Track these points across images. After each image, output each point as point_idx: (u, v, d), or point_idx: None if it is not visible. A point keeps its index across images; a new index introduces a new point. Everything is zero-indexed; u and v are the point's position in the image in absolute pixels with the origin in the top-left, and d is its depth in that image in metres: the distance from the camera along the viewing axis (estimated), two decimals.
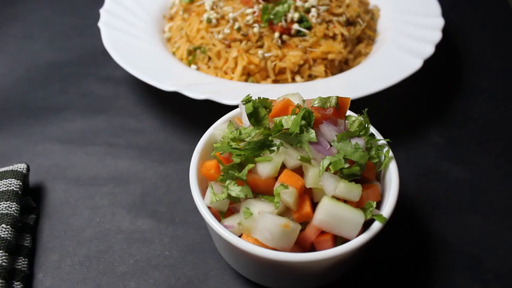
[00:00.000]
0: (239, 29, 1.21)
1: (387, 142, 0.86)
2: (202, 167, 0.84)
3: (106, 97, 1.29)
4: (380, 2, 1.44)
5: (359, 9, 1.32)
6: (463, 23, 1.53)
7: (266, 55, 1.18)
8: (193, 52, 1.26)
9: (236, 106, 1.02)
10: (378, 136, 0.87)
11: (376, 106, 1.11)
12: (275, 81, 1.20)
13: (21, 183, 0.99)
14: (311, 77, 1.21)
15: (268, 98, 0.84)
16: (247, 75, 1.20)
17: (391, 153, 0.84)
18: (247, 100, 0.82)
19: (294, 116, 0.80)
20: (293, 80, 1.20)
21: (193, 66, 1.25)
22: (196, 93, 1.06)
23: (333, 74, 1.22)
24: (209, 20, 1.25)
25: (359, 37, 1.31)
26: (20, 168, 1.02)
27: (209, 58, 1.24)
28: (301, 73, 1.20)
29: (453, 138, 1.17)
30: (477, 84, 1.33)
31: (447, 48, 1.41)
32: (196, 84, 1.11)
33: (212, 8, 1.29)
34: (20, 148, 1.16)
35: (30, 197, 1.03)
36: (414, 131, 1.19)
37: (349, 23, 1.29)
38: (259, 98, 0.83)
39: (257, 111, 0.81)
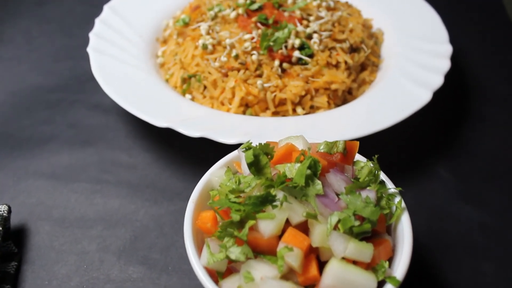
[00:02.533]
0: (236, 56, 1.14)
1: (398, 191, 0.79)
2: (198, 219, 0.77)
3: (95, 128, 1.21)
4: (383, 25, 1.37)
5: (363, 34, 1.25)
6: (470, 48, 1.46)
7: (266, 85, 1.11)
8: (188, 81, 1.18)
9: (233, 145, 0.95)
10: (389, 184, 0.80)
11: (379, 139, 1.04)
12: (275, 113, 1.13)
13: (1, 228, 0.92)
14: (313, 108, 1.14)
15: (269, 144, 0.76)
16: (245, 106, 1.13)
17: (403, 204, 0.78)
18: (247, 147, 0.75)
19: (299, 165, 0.73)
20: (294, 111, 1.12)
21: (188, 96, 1.18)
22: (191, 130, 0.99)
23: (336, 104, 1.15)
24: (204, 46, 1.18)
25: (363, 63, 1.24)
26: (1, 211, 0.94)
27: (205, 87, 1.17)
28: (302, 104, 1.13)
29: (463, 174, 1.10)
30: (486, 114, 1.25)
31: (454, 75, 1.34)
32: (191, 119, 1.04)
33: (208, 33, 1.22)
34: (2, 184, 1.08)
35: (12, 241, 0.96)
36: (420, 166, 1.12)
37: (353, 49, 1.22)
38: (260, 144, 0.75)
39: (258, 159, 0.74)
